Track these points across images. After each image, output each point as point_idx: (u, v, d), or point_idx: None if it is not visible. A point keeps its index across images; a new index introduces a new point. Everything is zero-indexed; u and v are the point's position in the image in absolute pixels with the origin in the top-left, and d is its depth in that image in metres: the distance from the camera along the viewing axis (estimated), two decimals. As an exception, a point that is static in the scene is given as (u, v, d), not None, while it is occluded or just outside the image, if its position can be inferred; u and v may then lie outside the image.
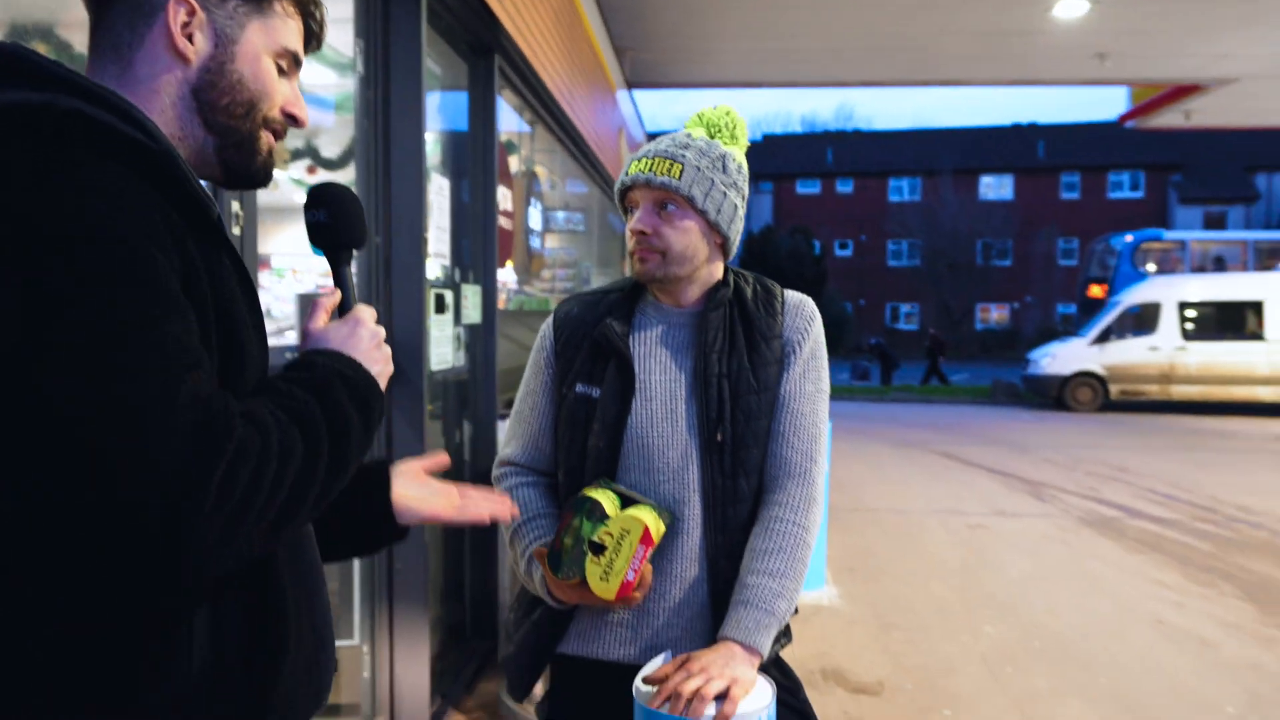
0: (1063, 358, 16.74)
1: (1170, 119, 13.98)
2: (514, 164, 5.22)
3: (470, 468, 4.00)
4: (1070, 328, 21.04)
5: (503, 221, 4.34)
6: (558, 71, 5.62)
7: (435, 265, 3.43)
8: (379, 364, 1.07)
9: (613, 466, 1.54)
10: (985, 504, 7.94)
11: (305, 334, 1.09)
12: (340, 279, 1.14)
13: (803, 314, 1.63)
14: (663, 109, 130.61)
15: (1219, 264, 20.92)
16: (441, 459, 1.16)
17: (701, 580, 1.55)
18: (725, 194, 1.56)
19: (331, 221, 1.14)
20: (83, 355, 0.77)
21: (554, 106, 5.53)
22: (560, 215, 7.37)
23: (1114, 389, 16.34)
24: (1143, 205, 37.71)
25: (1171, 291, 16.40)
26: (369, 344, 1.07)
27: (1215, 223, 37.03)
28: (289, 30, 1.06)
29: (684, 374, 1.57)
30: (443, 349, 3.40)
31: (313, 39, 1.10)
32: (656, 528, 1.44)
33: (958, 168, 37.86)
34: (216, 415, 0.81)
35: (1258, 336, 15.70)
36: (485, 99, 4.00)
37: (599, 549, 1.42)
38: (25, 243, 0.78)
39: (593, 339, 1.59)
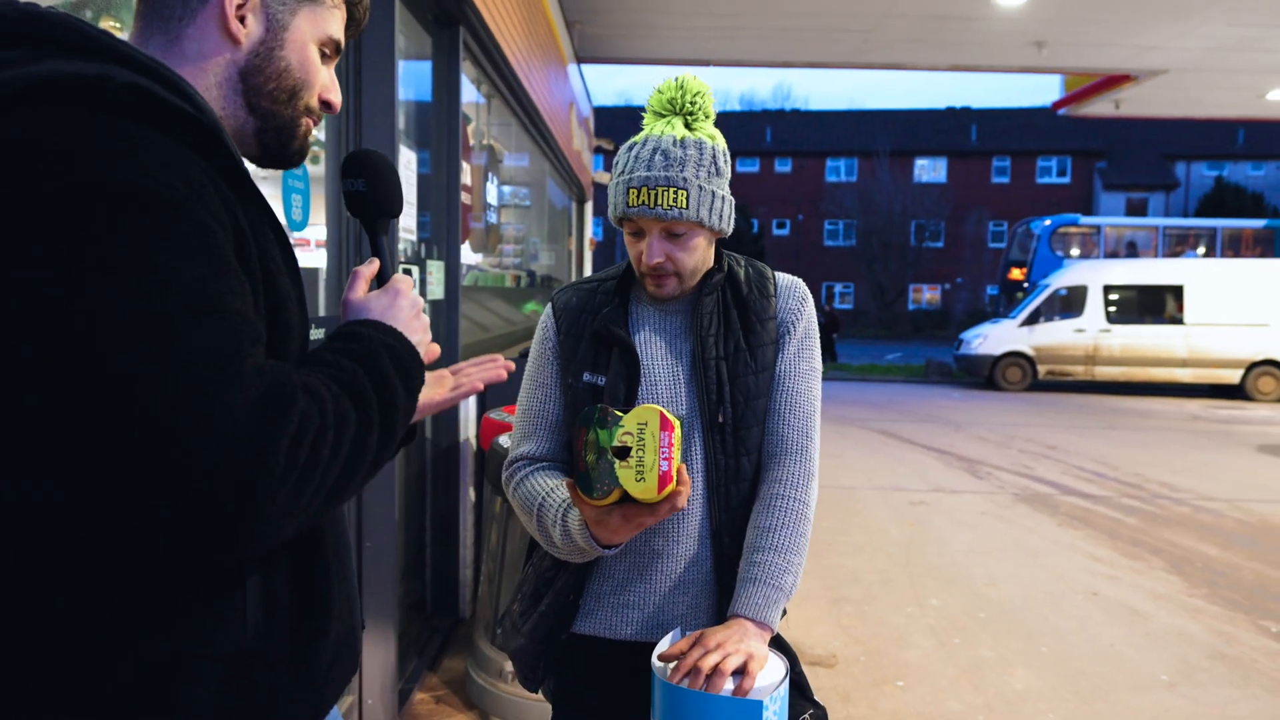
0: (994, 338, 17.25)
1: (1101, 107, 14.45)
2: (471, 136, 5.16)
3: (432, 445, 3.98)
4: (998, 309, 21.78)
5: (464, 197, 4.30)
6: (518, 44, 5.56)
7: (402, 240, 3.39)
8: (419, 333, 1.08)
9: None
10: (924, 480, 8.17)
11: (346, 304, 1.09)
12: (378, 248, 1.14)
13: (795, 295, 1.66)
14: (605, 83, 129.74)
15: (1131, 249, 21.91)
16: (432, 349, 1.12)
17: (705, 558, 1.58)
18: (724, 197, 1.57)
19: (369, 190, 1.14)
20: (150, 329, 0.76)
21: (513, 78, 5.48)
22: (508, 190, 7.31)
23: (1042, 369, 16.89)
24: (1069, 190, 38.87)
25: (1097, 275, 16.98)
26: (409, 314, 1.08)
27: (1137, 209, 38.40)
28: (334, 19, 1.07)
29: (683, 358, 1.59)
30: (409, 325, 3.36)
31: (353, 25, 1.11)
32: (672, 415, 1.38)
33: (894, 149, 38.46)
34: (280, 387, 0.82)
35: (1177, 320, 16.38)
36: (450, 71, 3.94)
37: (624, 452, 1.35)
38: (88, 213, 0.77)
39: (594, 329, 1.60)
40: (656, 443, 1.34)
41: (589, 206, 13.49)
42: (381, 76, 2.95)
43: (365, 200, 1.15)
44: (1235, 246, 21.86)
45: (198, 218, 0.82)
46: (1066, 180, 39.58)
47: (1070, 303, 16.99)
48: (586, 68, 11.94)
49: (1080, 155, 39.15)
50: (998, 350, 17.06)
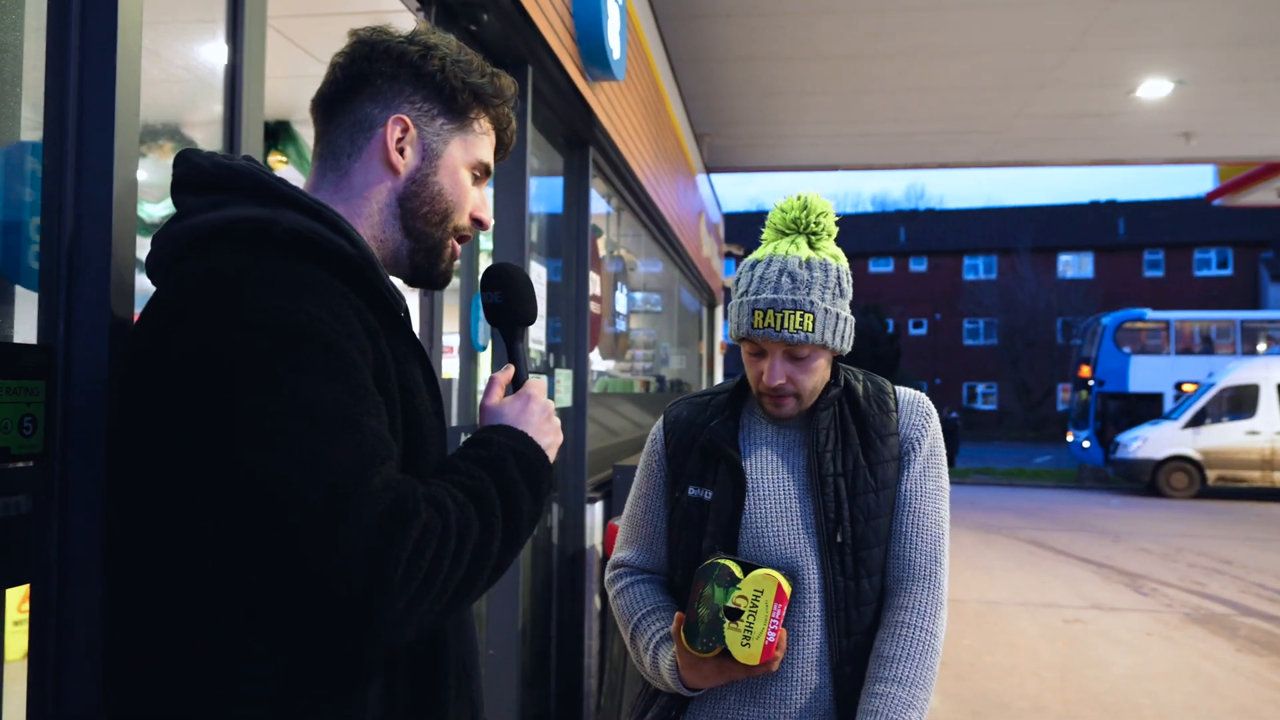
0: (1154, 441, 16.15)
1: (1260, 196, 13.64)
2: (601, 247, 5.35)
3: (558, 551, 4.00)
4: (1071, 411, 20.92)
5: (593, 306, 4.42)
6: (645, 159, 5.77)
7: (532, 349, 3.50)
8: (549, 435, 1.12)
9: None
10: (1080, 596, 7.60)
11: (483, 410, 1.15)
12: (514, 354, 1.20)
13: (919, 410, 1.61)
14: (735, 190, 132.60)
15: (1207, 344, 20.43)
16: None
17: (824, 685, 1.51)
18: (846, 318, 1.55)
19: (505, 302, 1.21)
20: (292, 444, 0.84)
21: (641, 193, 5.67)
22: (639, 296, 7.48)
23: (1211, 475, 15.64)
24: (1231, 282, 36.58)
25: (1270, 373, 15.77)
26: (539, 418, 1.12)
27: (1311, 301, 35.61)
28: (484, 144, 1.16)
29: (795, 473, 1.55)
30: (537, 432, 3.44)
31: (502, 149, 1.20)
32: (787, 585, 1.42)
33: (1035, 245, 37.35)
34: (405, 500, 0.88)
35: (1367, 421, 14.95)
36: (580, 188, 4.12)
37: (735, 614, 1.39)
38: (249, 341, 0.87)
39: (702, 443, 1.59)
40: (768, 612, 1.39)
41: (719, 310, 13.63)
42: (513, 193, 3.12)
43: (501, 310, 1.21)
44: None
45: (340, 346, 0.91)
46: (1228, 272, 37.30)
47: (1240, 403, 15.80)
48: (716, 176, 12.25)
49: (1242, 245, 36.91)
50: (1159, 454, 15.94)
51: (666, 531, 1.63)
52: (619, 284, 5.78)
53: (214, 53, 1.69)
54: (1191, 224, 37.44)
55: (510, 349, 1.21)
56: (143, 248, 1.11)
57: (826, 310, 1.51)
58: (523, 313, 1.22)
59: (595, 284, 4.57)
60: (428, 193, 1.11)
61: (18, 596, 1.26)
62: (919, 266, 40.78)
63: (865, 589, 1.52)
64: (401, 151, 1.09)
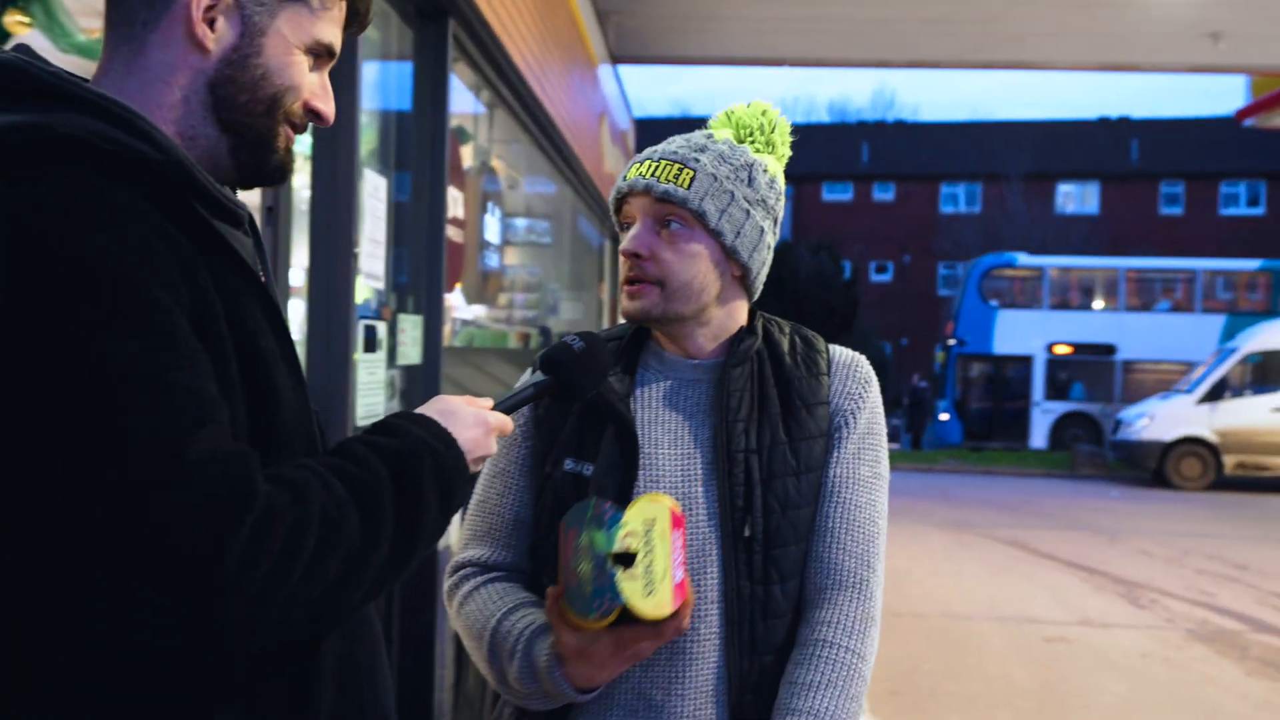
0: (1163, 419, 16.93)
1: (1300, 117, 14.31)
2: (467, 156, 5.27)
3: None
4: (935, 380, 22.49)
5: (452, 232, 4.35)
6: (526, 40, 5.68)
7: (365, 288, 3.43)
8: (476, 443, 1.19)
9: None
10: (1066, 609, 7.95)
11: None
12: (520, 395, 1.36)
13: (856, 376, 1.63)
14: (654, 89, 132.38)
15: (1088, 296, 22.09)
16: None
17: (720, 719, 1.53)
18: (749, 212, 1.56)
19: (578, 365, 1.38)
20: (82, 417, 0.86)
21: (520, 84, 5.58)
22: (521, 223, 7.42)
23: (1229, 461, 16.50)
24: (1265, 223, 38.36)
25: (1304, 336, 16.67)
26: (471, 420, 1.18)
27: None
28: (326, 20, 1.14)
29: (700, 447, 1.56)
30: (372, 397, 3.38)
31: (355, 22, 1.20)
32: (678, 506, 1.39)
33: (1029, 172, 38.39)
34: (235, 474, 0.89)
35: None
36: (435, 74, 4.03)
37: (626, 559, 1.34)
38: (13, 292, 0.88)
39: (588, 400, 1.56)
40: (668, 545, 1.35)
41: (628, 244, 13.64)
42: (341, 80, 3.01)
43: (568, 368, 1.38)
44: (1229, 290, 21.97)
45: (136, 284, 0.91)
46: (1260, 210, 39.12)
47: (1267, 372, 16.65)
48: (626, 70, 12.18)
49: (1277, 178, 38.71)
50: (1168, 435, 16.73)
51: (532, 519, 1.61)
52: (490, 205, 5.70)
53: None
54: (1218, 150, 39.01)
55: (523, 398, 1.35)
56: None
57: (715, 178, 1.53)
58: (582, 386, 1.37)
59: (457, 203, 4.49)
60: (247, 77, 1.09)
61: None
62: (885, 194, 41.54)
63: (777, 597, 1.53)
64: (211, 24, 1.07)
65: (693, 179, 1.51)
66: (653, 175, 1.52)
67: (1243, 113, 14.84)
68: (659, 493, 1.43)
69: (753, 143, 1.61)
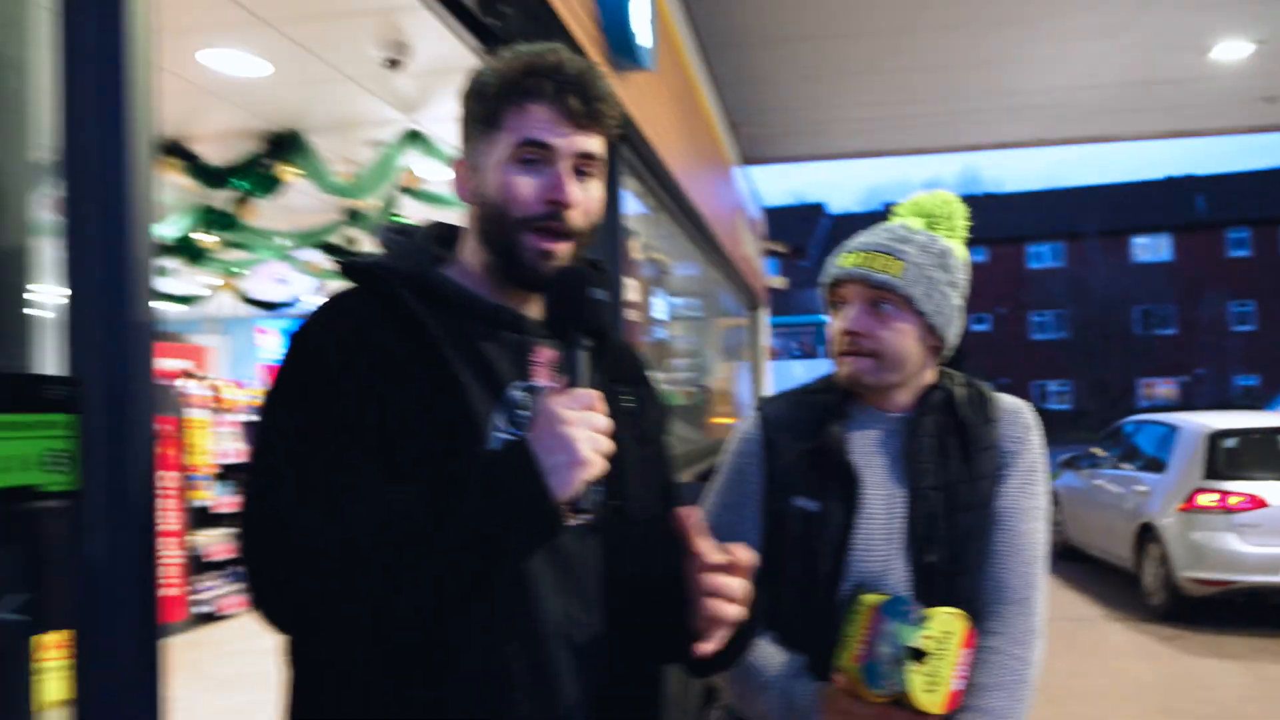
0: None
1: (1357, 163, 13.33)
2: (635, 250, 5.36)
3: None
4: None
5: (629, 314, 4.43)
6: (678, 154, 5.79)
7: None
8: (559, 453, 1.01)
9: (833, 592, 1.48)
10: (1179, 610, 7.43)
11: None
12: (569, 362, 1.11)
13: (1020, 421, 1.58)
14: (774, 183, 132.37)
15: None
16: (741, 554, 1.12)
17: None
18: (946, 294, 1.54)
19: (552, 304, 1.16)
20: (257, 440, 1.09)
21: (675, 190, 5.69)
22: (679, 301, 7.49)
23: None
24: (1328, 260, 35.74)
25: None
26: (547, 432, 1.02)
27: None
28: (524, 123, 1.13)
29: (897, 486, 1.52)
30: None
31: (562, 106, 1.13)
32: (972, 630, 1.37)
33: (1105, 228, 36.84)
34: (279, 524, 1.02)
35: None
36: (611, 189, 4.14)
37: (919, 655, 1.33)
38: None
39: (814, 446, 1.54)
40: (955, 657, 1.34)
41: (763, 314, 13.59)
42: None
43: (551, 313, 1.17)
44: None
45: (328, 360, 1.08)
46: (1323, 248, 36.47)
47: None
48: (753, 169, 12.23)
49: (1337, 218, 36.12)
50: None
51: (761, 547, 1.55)
52: (656, 289, 5.79)
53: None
54: (1277, 197, 36.68)
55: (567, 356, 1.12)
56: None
57: (920, 266, 1.51)
58: (571, 317, 1.12)
59: (631, 290, 4.58)
60: (484, 205, 1.16)
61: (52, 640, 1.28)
62: (977, 257, 40.31)
63: None
64: (465, 182, 1.20)
65: (903, 269, 1.51)
66: (868, 265, 1.52)
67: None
68: (961, 612, 1.41)
69: (938, 227, 1.59)
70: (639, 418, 1.27)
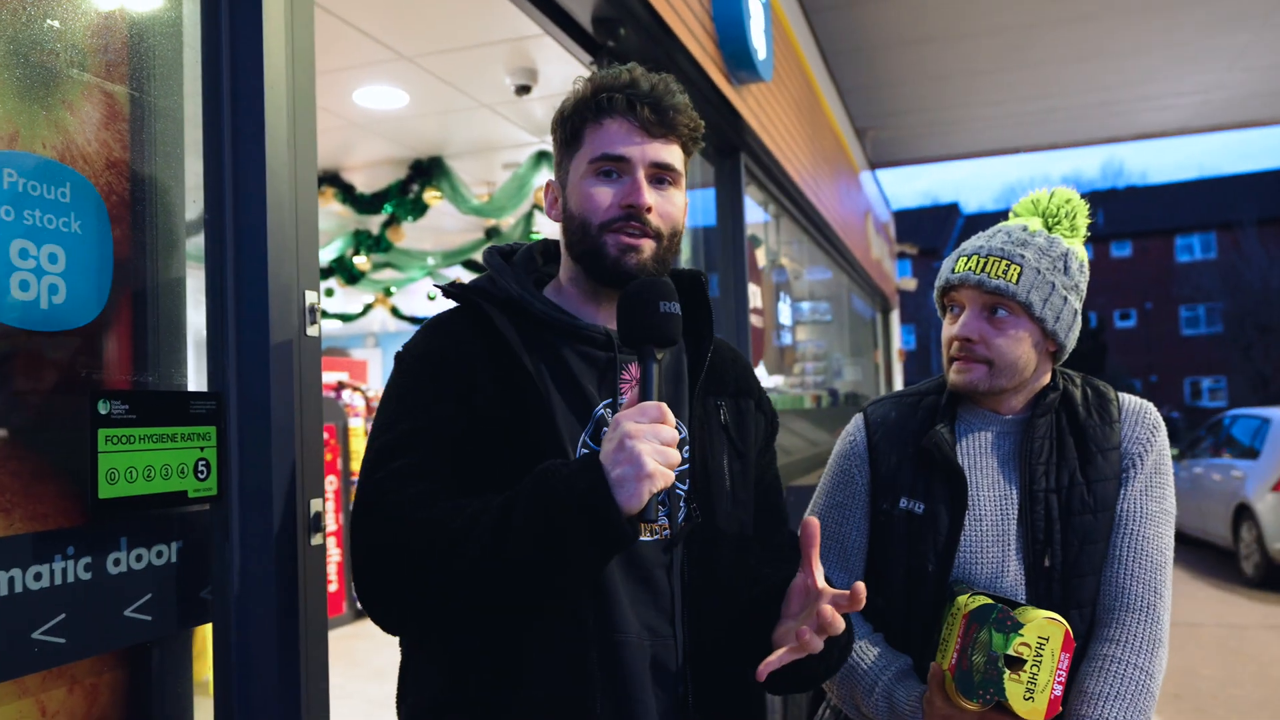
0: None
1: None
2: (760, 257, 5.33)
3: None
4: None
5: (754, 319, 4.40)
6: (801, 161, 5.72)
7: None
8: (620, 466, 0.99)
9: (940, 593, 1.45)
10: (1346, 618, 6.84)
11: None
12: (643, 375, 1.09)
13: (1145, 422, 1.50)
14: (903, 185, 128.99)
15: None
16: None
17: None
18: (1066, 298, 1.47)
19: (622, 317, 1.13)
20: (371, 441, 1.16)
21: (799, 196, 5.62)
22: (806, 305, 7.39)
23: None
24: None
25: None
26: (611, 449, 1.00)
27: None
28: (600, 138, 1.18)
29: (1014, 490, 1.47)
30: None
31: (637, 118, 1.17)
32: (1070, 632, 1.32)
33: (1261, 217, 34.23)
34: (378, 518, 1.08)
35: None
36: (733, 197, 4.13)
37: (1017, 663, 1.30)
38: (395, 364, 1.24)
39: (919, 448, 1.51)
40: (1054, 662, 1.30)
41: (895, 315, 13.25)
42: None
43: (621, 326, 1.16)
44: None
45: (417, 375, 1.16)
46: None
47: None
48: (882, 172, 11.96)
49: None
50: None
51: (865, 548, 1.55)
52: (782, 294, 5.73)
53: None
54: None
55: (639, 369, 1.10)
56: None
57: (1039, 272, 1.45)
58: (640, 329, 1.08)
59: (756, 296, 4.55)
60: (570, 221, 1.21)
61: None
62: (1122, 251, 38.22)
63: (1075, 622, 1.42)
64: (554, 202, 1.25)
65: (1020, 274, 1.44)
66: (983, 270, 1.46)
67: None
68: (1058, 616, 1.35)
69: (1059, 227, 1.52)
70: (733, 430, 1.26)
